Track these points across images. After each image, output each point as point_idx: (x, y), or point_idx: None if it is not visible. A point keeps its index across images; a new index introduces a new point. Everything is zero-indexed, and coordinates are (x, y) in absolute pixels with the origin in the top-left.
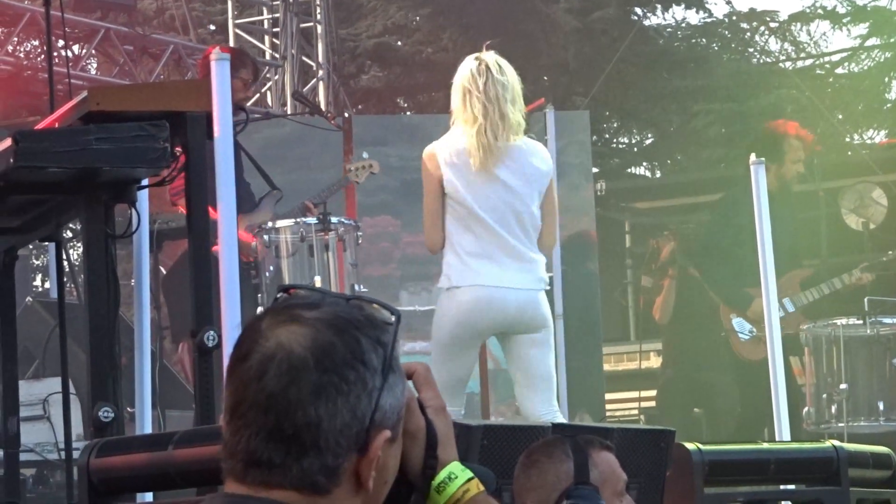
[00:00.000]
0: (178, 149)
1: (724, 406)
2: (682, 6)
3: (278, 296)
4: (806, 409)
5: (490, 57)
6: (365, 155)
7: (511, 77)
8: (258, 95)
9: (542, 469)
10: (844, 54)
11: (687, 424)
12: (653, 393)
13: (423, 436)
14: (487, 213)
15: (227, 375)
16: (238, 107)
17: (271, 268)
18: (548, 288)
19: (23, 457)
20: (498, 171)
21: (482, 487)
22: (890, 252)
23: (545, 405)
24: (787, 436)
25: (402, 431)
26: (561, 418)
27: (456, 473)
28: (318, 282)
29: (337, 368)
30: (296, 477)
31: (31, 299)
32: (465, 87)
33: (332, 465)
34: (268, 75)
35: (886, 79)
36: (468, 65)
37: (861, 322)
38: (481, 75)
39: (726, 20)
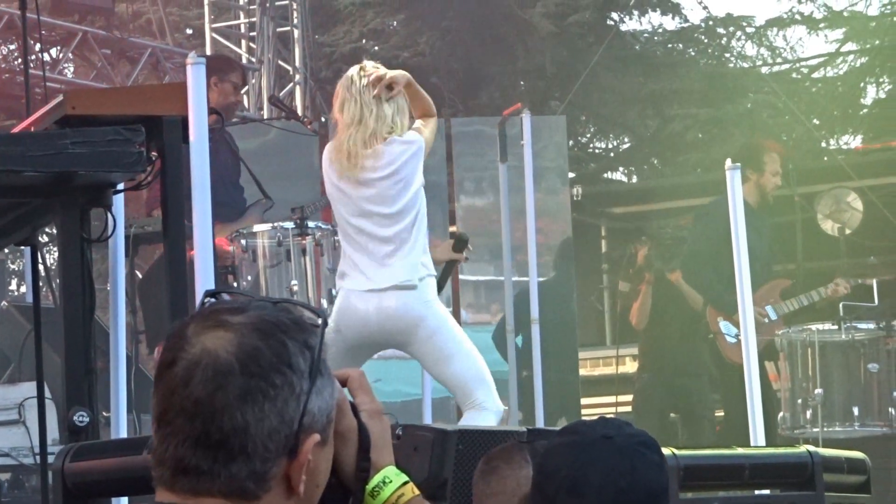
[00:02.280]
0: (154, 153)
1: (701, 411)
2: (659, 11)
3: (204, 301)
4: (781, 414)
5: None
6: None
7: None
8: None
9: (501, 475)
10: (821, 59)
11: (664, 428)
12: (629, 398)
13: (354, 437)
14: None
15: (154, 382)
16: (213, 111)
17: (249, 277)
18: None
19: None
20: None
21: (417, 492)
22: (872, 258)
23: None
24: (762, 441)
25: (333, 434)
26: (487, 418)
27: (390, 477)
28: (295, 287)
29: (263, 373)
30: (224, 483)
31: (6, 303)
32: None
33: (261, 470)
34: None
35: (862, 84)
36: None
37: (836, 327)
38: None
39: (703, 25)
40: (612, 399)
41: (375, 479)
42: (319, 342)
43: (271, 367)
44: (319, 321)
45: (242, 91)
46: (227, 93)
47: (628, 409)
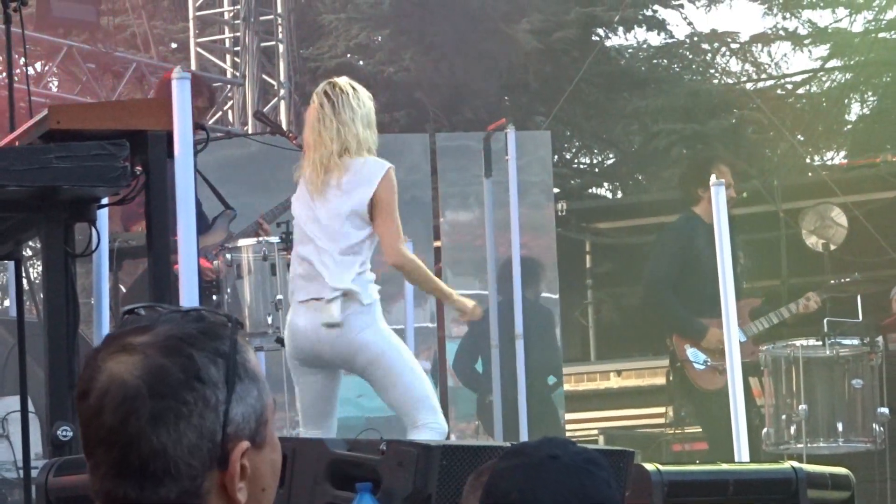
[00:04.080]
0: (139, 167)
1: None
2: (644, 27)
3: (124, 317)
4: (765, 429)
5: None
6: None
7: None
8: (220, 114)
9: None
10: (805, 75)
11: None
12: (610, 413)
13: None
14: None
15: (77, 414)
16: (199, 125)
17: (229, 290)
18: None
19: None
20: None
21: None
22: (856, 273)
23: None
24: (746, 457)
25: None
26: (429, 436)
27: None
28: (280, 300)
29: (172, 392)
30: None
31: None
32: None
33: (191, 487)
34: (229, 94)
35: (846, 100)
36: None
37: (820, 343)
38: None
39: (687, 41)
40: (594, 415)
41: None
42: (232, 346)
43: (180, 385)
44: (229, 324)
45: (209, 113)
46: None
47: (610, 423)
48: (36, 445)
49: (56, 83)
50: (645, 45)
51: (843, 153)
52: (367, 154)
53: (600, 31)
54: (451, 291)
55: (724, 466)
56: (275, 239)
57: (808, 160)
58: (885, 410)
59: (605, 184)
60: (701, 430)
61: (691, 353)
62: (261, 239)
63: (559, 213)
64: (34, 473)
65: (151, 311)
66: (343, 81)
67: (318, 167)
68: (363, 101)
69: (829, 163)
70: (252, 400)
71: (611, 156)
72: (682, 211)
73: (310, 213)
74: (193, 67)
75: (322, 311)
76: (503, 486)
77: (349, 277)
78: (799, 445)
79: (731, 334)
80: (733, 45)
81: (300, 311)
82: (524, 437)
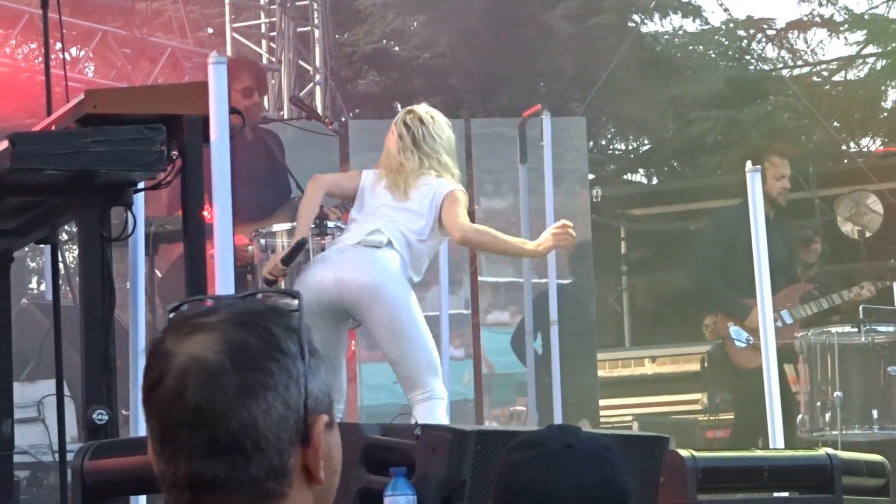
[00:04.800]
0: (175, 152)
1: None
2: (680, 14)
3: (169, 315)
4: (800, 416)
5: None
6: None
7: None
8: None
9: None
10: (841, 62)
11: None
12: (645, 399)
13: None
14: None
15: (144, 406)
16: (234, 110)
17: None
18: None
19: (17, 459)
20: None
21: None
22: (892, 260)
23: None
24: (780, 443)
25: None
26: (440, 407)
27: None
28: None
29: (257, 363)
30: (247, 490)
31: (26, 301)
32: None
33: (279, 464)
34: None
35: (883, 87)
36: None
37: (856, 330)
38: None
39: (723, 28)
40: (628, 401)
41: None
42: (300, 321)
43: (263, 356)
44: (295, 302)
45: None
46: (235, 101)
47: (644, 410)
48: (71, 429)
49: (91, 68)
50: (681, 32)
51: (879, 140)
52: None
53: (636, 18)
54: (528, 245)
55: (759, 453)
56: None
57: (843, 147)
58: None
59: (641, 170)
60: (733, 413)
61: (734, 330)
62: (295, 224)
63: (594, 200)
64: (69, 457)
65: (197, 303)
66: (422, 111)
67: (400, 185)
68: (443, 129)
69: (864, 150)
70: (322, 376)
71: (646, 142)
72: (718, 197)
73: (387, 204)
74: (229, 53)
75: (369, 242)
76: (523, 478)
77: (405, 251)
78: (834, 432)
79: (767, 322)
80: (769, 32)
81: (331, 258)
82: (558, 422)
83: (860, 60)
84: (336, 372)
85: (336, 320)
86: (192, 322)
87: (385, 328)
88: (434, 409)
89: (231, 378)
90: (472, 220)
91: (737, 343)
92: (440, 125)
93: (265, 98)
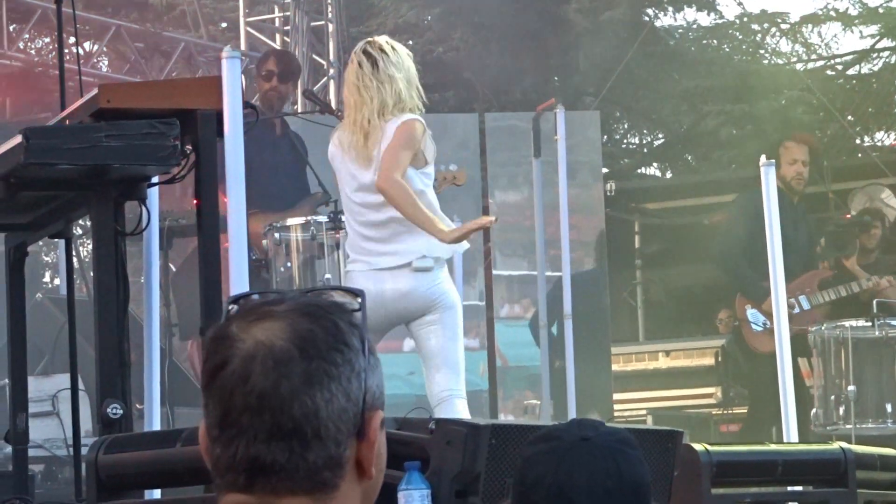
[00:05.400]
0: (189, 147)
1: None
2: (694, 7)
3: (229, 308)
4: (814, 410)
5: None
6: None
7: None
8: None
9: None
10: (855, 56)
11: None
12: (659, 393)
13: None
14: None
15: (204, 389)
16: (248, 104)
17: (281, 269)
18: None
19: (31, 453)
20: None
21: None
22: None
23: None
24: (794, 437)
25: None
26: (455, 406)
27: None
28: (328, 279)
29: (323, 354)
30: (303, 477)
31: (40, 295)
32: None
33: (336, 455)
34: None
35: None
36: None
37: (869, 324)
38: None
39: (737, 21)
40: (643, 395)
41: None
42: (363, 318)
43: (329, 347)
44: (358, 300)
45: (275, 78)
46: (263, 83)
47: (659, 404)
48: (86, 423)
49: (105, 63)
50: (695, 26)
51: (893, 134)
52: (409, 113)
53: (650, 12)
54: (439, 224)
55: (773, 447)
56: (323, 218)
57: (857, 141)
58: None
59: (654, 164)
60: (748, 402)
61: (751, 313)
62: (309, 218)
63: (608, 194)
64: (84, 451)
65: (262, 296)
66: (382, 40)
67: (359, 131)
68: (403, 59)
69: (878, 144)
70: (379, 374)
71: (660, 136)
72: (732, 191)
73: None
74: (243, 47)
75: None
76: (537, 470)
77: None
78: (847, 426)
79: (782, 319)
80: (783, 26)
81: (383, 276)
82: (572, 415)
83: (874, 54)
84: None
85: (382, 334)
86: (259, 310)
87: (445, 329)
88: (460, 406)
89: (297, 365)
90: (486, 214)
91: (753, 326)
92: (401, 55)
93: (291, 89)
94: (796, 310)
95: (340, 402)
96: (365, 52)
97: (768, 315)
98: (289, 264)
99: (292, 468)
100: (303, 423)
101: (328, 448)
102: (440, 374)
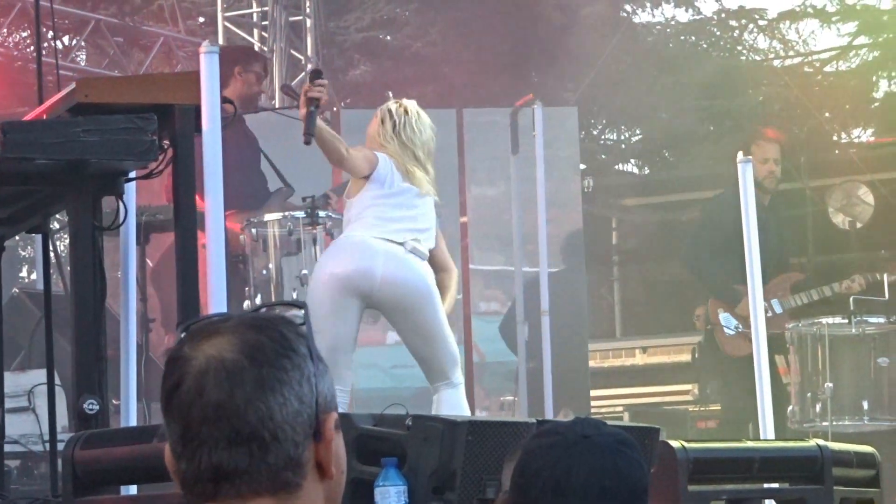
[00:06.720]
0: (166, 142)
1: None
2: (672, 4)
3: (181, 335)
4: (790, 407)
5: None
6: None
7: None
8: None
9: None
10: (833, 53)
11: None
12: (636, 390)
13: None
14: None
15: (164, 411)
16: (226, 99)
17: (264, 271)
18: None
19: (7, 448)
20: None
21: None
22: (883, 251)
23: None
24: (771, 434)
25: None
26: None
27: None
28: (305, 275)
29: (272, 361)
30: (266, 479)
31: (17, 290)
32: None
33: (295, 456)
34: None
35: (874, 77)
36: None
37: (846, 321)
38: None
39: (715, 18)
40: (619, 391)
41: None
42: (308, 329)
43: (278, 354)
44: (301, 311)
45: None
46: (251, 83)
47: (636, 401)
48: (62, 418)
49: (84, 57)
50: (673, 22)
51: (870, 131)
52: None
53: (628, 8)
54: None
55: (750, 444)
56: (300, 213)
57: (835, 138)
58: None
59: (632, 160)
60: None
61: (724, 317)
62: (286, 213)
63: (586, 190)
64: (60, 447)
65: (209, 317)
66: (411, 104)
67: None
68: (425, 127)
69: (856, 140)
70: (329, 380)
71: (638, 132)
72: (710, 188)
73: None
74: (221, 42)
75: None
76: (536, 464)
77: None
78: (824, 423)
79: (758, 312)
80: (761, 22)
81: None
82: (549, 412)
83: (852, 51)
84: (348, 359)
85: (361, 310)
86: (208, 329)
87: (423, 328)
88: (459, 398)
89: (249, 374)
90: (464, 209)
91: (726, 330)
92: (423, 123)
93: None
94: (769, 314)
95: (294, 406)
96: (389, 110)
97: (740, 319)
98: (271, 265)
99: (254, 471)
100: (259, 427)
101: (287, 450)
102: (435, 371)
